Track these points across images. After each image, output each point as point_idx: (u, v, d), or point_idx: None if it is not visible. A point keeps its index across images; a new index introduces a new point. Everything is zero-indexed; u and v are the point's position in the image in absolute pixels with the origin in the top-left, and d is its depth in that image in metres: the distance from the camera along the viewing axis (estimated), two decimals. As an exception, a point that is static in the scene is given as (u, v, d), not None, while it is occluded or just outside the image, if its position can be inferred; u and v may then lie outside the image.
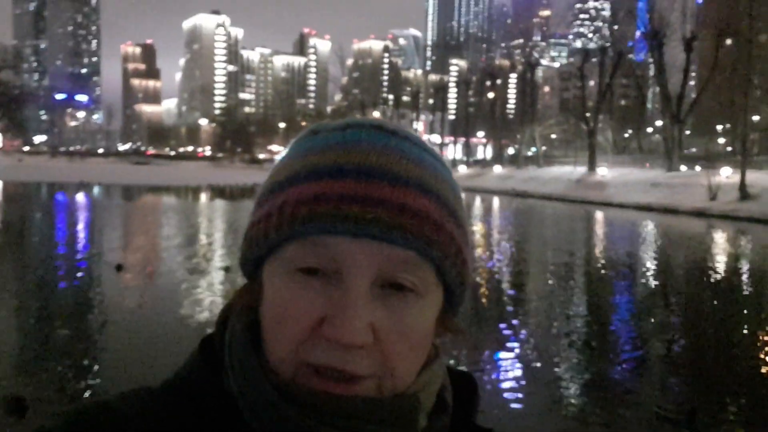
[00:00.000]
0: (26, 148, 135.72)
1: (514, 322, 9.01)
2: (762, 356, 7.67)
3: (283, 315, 0.53)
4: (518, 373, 6.73)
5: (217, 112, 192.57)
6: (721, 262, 16.31)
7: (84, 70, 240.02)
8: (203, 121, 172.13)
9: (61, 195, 33.52)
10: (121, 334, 7.47)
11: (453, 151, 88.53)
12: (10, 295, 9.71)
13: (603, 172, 47.04)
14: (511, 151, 80.00)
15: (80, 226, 20.30)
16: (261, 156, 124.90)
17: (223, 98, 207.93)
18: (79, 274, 11.48)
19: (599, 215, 31.80)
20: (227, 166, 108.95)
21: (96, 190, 39.17)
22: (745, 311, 10.61)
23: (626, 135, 73.38)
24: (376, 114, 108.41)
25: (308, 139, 0.58)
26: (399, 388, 0.55)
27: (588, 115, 54.71)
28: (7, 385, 5.66)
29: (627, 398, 6.12)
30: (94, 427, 0.52)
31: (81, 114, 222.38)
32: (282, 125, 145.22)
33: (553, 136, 75.28)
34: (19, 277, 11.45)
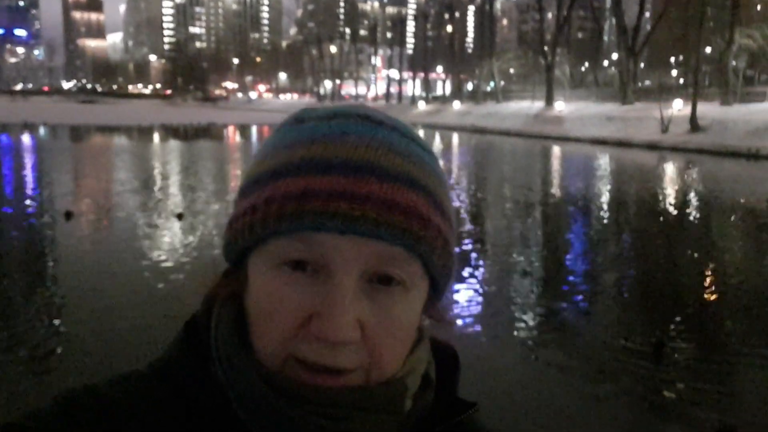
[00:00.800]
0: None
1: (472, 255, 9.21)
2: (709, 284, 8.07)
3: (270, 310, 0.53)
4: (476, 308, 6.93)
5: (166, 47, 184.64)
6: (671, 193, 16.87)
7: (21, 3, 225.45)
8: (152, 57, 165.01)
9: (4, 136, 32.05)
10: (76, 283, 7.34)
11: (412, 87, 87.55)
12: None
13: (560, 106, 47.38)
14: (470, 86, 79.63)
15: (27, 171, 19.54)
16: (215, 93, 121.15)
17: (171, 32, 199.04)
18: (31, 221, 11.14)
19: (556, 150, 32.26)
20: (180, 104, 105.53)
21: (42, 130, 37.56)
22: (694, 239, 11.07)
23: (583, 69, 73.72)
24: (333, 49, 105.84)
25: (293, 128, 0.57)
26: (386, 376, 0.55)
27: (546, 48, 54.57)
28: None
29: (584, 331, 6.38)
30: (83, 411, 0.52)
31: (20, 50, 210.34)
32: (236, 61, 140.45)
33: (512, 70, 74.98)
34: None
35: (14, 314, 6.36)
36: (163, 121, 47.70)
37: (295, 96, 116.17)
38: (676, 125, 32.40)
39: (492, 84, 71.29)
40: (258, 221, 0.53)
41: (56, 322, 6.03)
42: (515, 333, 6.20)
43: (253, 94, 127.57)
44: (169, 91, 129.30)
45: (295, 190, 0.51)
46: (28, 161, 21.97)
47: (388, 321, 0.53)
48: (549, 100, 50.39)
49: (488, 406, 4.63)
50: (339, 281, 0.51)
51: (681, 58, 51.07)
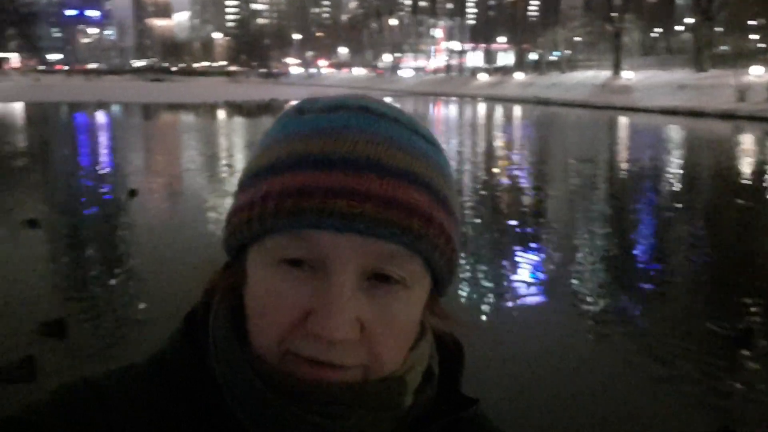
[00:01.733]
0: (42, 67, 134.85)
1: (535, 233, 9.06)
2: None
3: (267, 307, 0.52)
4: (538, 287, 6.83)
5: (229, 24, 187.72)
6: (749, 166, 16.00)
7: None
8: (217, 35, 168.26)
9: (80, 115, 33.57)
10: (147, 255, 7.69)
11: (473, 59, 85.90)
12: (38, 217, 9.99)
13: (628, 75, 45.51)
14: (533, 56, 77.40)
15: (99, 148, 20.44)
16: (276, 69, 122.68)
17: (235, 10, 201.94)
18: (105, 198, 11.68)
19: (623, 121, 31.08)
20: (243, 80, 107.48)
21: (115, 108, 39.10)
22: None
23: (654, 35, 70.23)
24: (393, 22, 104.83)
25: (294, 119, 0.56)
26: (385, 373, 0.54)
27: (614, 14, 52.24)
28: (46, 308, 5.92)
29: (655, 316, 6.19)
30: (80, 404, 0.52)
31: (93, 30, 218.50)
32: (297, 36, 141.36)
33: (577, 39, 72.36)
34: (47, 200, 11.70)
35: (93, 282, 6.74)
36: (227, 98, 48.75)
37: (354, 70, 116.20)
38: (755, 93, 30.56)
39: (556, 53, 69.04)
40: (255, 217, 0.52)
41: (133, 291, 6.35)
42: (580, 315, 6.10)
43: (313, 70, 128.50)
44: (233, 68, 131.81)
45: (292, 187, 0.50)
46: (102, 139, 22.95)
47: (387, 319, 0.52)
48: (616, 69, 48.47)
49: (551, 387, 4.60)
50: (337, 279, 0.50)
51: (761, 21, 47.88)
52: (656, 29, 69.50)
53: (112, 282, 6.79)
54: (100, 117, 32.63)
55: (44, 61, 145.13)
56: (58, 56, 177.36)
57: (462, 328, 0.64)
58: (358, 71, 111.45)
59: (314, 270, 0.51)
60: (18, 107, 39.06)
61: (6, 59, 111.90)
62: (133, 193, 11.08)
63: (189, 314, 0.61)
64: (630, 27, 57.16)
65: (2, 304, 6.08)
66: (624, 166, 16.45)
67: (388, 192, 0.50)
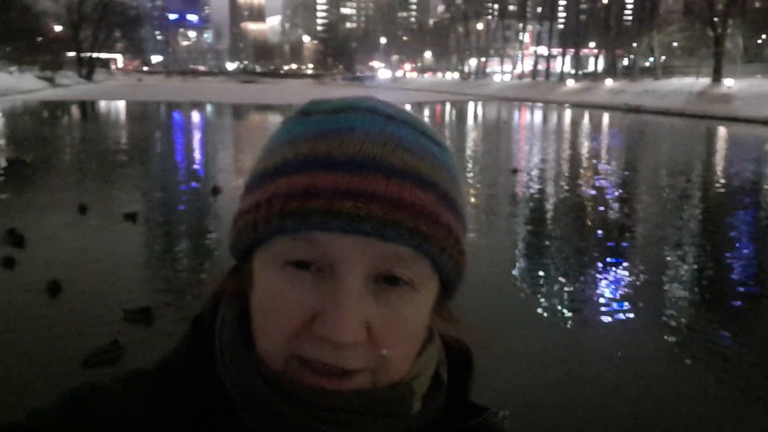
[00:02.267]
0: (145, 68, 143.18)
1: (621, 249, 8.71)
2: None
3: (273, 310, 0.51)
4: (625, 305, 6.57)
5: (319, 28, 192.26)
6: None
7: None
8: (306, 38, 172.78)
9: (177, 114, 35.39)
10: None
11: (561, 64, 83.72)
12: (138, 208, 10.62)
13: (729, 83, 42.92)
14: (625, 62, 74.49)
15: (195, 147, 21.43)
16: (361, 72, 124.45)
17: (324, 14, 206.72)
18: (194, 194, 12.22)
19: (722, 132, 29.33)
20: (329, 83, 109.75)
21: (208, 108, 40.94)
22: None
23: (759, 41, 65.92)
24: (479, 26, 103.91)
25: (300, 121, 0.55)
26: (393, 378, 0.53)
27: (716, 19, 49.43)
28: (135, 297, 6.26)
29: (744, 340, 5.83)
30: (89, 409, 0.52)
31: (192, 33, 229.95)
32: (383, 40, 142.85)
33: (675, 44, 68.98)
34: (145, 194, 12.40)
35: (180, 274, 7.07)
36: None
37: (439, 74, 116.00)
38: None
39: (651, 59, 66.14)
40: (261, 219, 0.51)
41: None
42: (667, 332, 5.82)
43: (398, 73, 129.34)
44: (320, 71, 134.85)
45: (298, 188, 0.50)
46: (195, 137, 24.06)
47: (395, 322, 0.51)
48: (717, 76, 45.75)
49: (628, 395, 4.41)
50: (344, 281, 0.49)
51: None
52: (762, 35, 65.17)
53: (203, 276, 7.12)
54: (195, 116, 34.25)
55: (147, 62, 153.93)
56: (159, 58, 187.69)
57: (469, 331, 0.63)
58: (448, 75, 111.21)
59: (321, 272, 0.50)
60: (121, 105, 41.65)
61: (113, 60, 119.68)
62: (215, 190, 11.57)
63: (197, 318, 0.60)
64: (733, 32, 53.90)
65: (94, 291, 6.49)
66: (721, 180, 15.52)
67: (395, 193, 0.49)
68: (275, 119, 34.99)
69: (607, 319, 6.07)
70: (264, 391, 0.51)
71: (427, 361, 0.58)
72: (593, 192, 13.20)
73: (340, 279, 0.50)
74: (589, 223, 10.49)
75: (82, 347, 5.09)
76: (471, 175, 14.24)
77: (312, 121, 0.54)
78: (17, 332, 5.51)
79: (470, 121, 37.28)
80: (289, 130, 0.55)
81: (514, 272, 7.78)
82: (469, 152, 20.51)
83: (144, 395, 0.54)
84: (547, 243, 9.31)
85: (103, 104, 41.85)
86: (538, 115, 42.08)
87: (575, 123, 35.41)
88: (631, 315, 6.14)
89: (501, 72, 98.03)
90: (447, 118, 39.19)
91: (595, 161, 18.78)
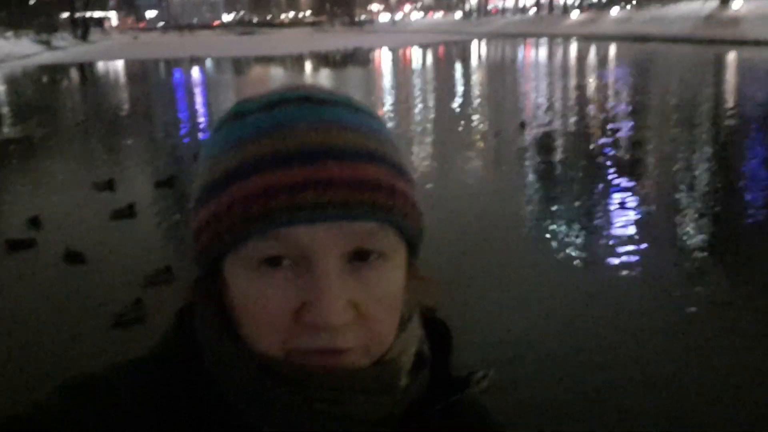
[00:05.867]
0: (141, 25, 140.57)
1: (630, 183, 8.74)
2: None
3: (259, 312, 0.52)
4: (635, 233, 6.68)
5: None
6: None
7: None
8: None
9: (177, 71, 34.98)
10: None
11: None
12: (149, 168, 10.71)
13: (737, 5, 41.63)
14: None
15: (198, 106, 21.30)
16: (361, 16, 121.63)
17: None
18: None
19: (731, 56, 28.68)
20: (328, 30, 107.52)
21: (208, 63, 40.40)
22: None
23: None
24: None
25: (236, 124, 0.55)
26: (383, 349, 0.56)
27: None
28: (155, 258, 6.42)
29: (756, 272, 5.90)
30: (85, 398, 0.53)
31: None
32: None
33: (682, -33, 66.48)
34: (148, 155, 12.46)
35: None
36: (312, 49, 49.11)
37: (440, 14, 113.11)
38: None
39: (657, -15, 63.96)
40: (224, 229, 0.51)
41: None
42: (671, 276, 5.92)
43: (398, 15, 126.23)
44: (318, 18, 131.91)
45: (256, 190, 0.50)
46: (198, 97, 23.86)
47: (377, 294, 0.53)
48: (725, -1, 44.39)
49: (634, 339, 4.55)
50: (321, 268, 0.51)
51: None
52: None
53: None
54: (196, 73, 33.86)
55: (142, 18, 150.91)
56: (153, 12, 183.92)
57: (439, 287, 0.64)
58: (446, 15, 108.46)
59: (296, 265, 0.52)
60: (120, 65, 41.22)
61: (107, 18, 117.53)
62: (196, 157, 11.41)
63: (180, 311, 0.61)
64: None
65: (117, 258, 6.66)
66: (731, 108, 15.29)
67: (350, 174, 0.50)
68: (277, 71, 34.60)
69: (614, 260, 6.16)
70: (257, 376, 0.52)
71: (410, 336, 0.60)
72: (602, 130, 13.10)
73: (317, 266, 0.51)
74: (600, 163, 10.47)
75: (110, 310, 5.28)
76: (475, 128, 14.07)
77: (248, 122, 0.54)
78: (42, 301, 5.70)
79: (474, 61, 36.59)
80: (227, 136, 0.55)
81: (525, 214, 7.85)
82: (473, 100, 20.26)
83: (138, 384, 0.56)
84: (556, 184, 9.34)
85: (101, 65, 41.38)
86: (543, 52, 41.22)
87: (581, 58, 34.72)
88: (637, 257, 6.22)
89: (502, 8, 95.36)
90: (447, 60, 38.50)
91: (602, 99, 18.51)
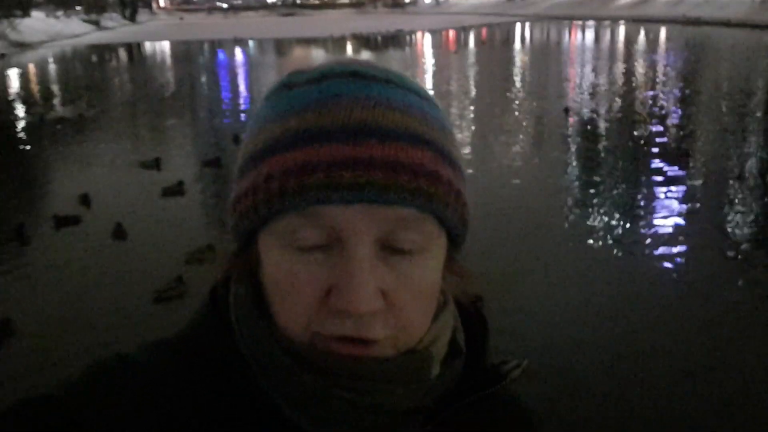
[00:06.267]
0: (186, 7, 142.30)
1: (677, 170, 8.54)
2: None
3: (288, 291, 0.51)
4: (680, 223, 6.55)
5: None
6: None
7: None
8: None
9: (221, 53, 35.44)
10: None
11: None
12: (193, 148, 10.94)
13: (800, -12, 39.78)
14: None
15: (241, 87, 21.54)
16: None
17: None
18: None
19: (789, 42, 27.50)
20: (371, 11, 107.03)
21: (250, 44, 40.78)
22: None
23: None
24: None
25: (282, 96, 0.54)
26: (413, 341, 0.53)
27: None
28: (198, 235, 6.58)
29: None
30: (114, 378, 0.53)
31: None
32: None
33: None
34: (193, 135, 12.71)
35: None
36: (354, 31, 49.02)
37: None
38: None
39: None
40: (261, 201, 0.50)
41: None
42: (717, 266, 5.80)
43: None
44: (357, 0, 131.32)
45: (294, 165, 0.49)
46: (240, 78, 24.14)
47: (409, 286, 0.51)
48: (785, -18, 42.43)
49: (675, 330, 4.48)
50: (353, 252, 0.49)
51: None
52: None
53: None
54: (239, 54, 34.23)
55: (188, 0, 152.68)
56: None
57: (479, 283, 0.62)
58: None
59: (329, 246, 0.50)
60: (166, 46, 41.95)
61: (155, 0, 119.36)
62: (236, 139, 11.06)
63: (213, 289, 0.60)
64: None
65: (160, 236, 6.84)
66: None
67: (392, 155, 0.48)
68: (317, 53, 34.71)
69: (656, 251, 6.05)
70: (285, 362, 0.51)
71: (443, 326, 0.58)
72: (653, 110, 12.77)
73: (349, 250, 0.49)
74: (645, 151, 10.22)
75: (151, 286, 5.45)
76: (517, 114, 13.88)
77: (295, 93, 0.53)
78: (89, 276, 5.92)
79: (517, 45, 35.98)
80: (274, 107, 0.54)
81: (568, 202, 7.76)
82: (515, 84, 19.98)
83: (168, 365, 0.55)
84: (599, 172, 9.18)
85: (148, 46, 42.20)
86: (589, 35, 40.22)
87: (630, 41, 33.76)
88: (684, 247, 6.09)
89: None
90: (490, 43, 37.94)
91: (650, 85, 18.01)
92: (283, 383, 0.52)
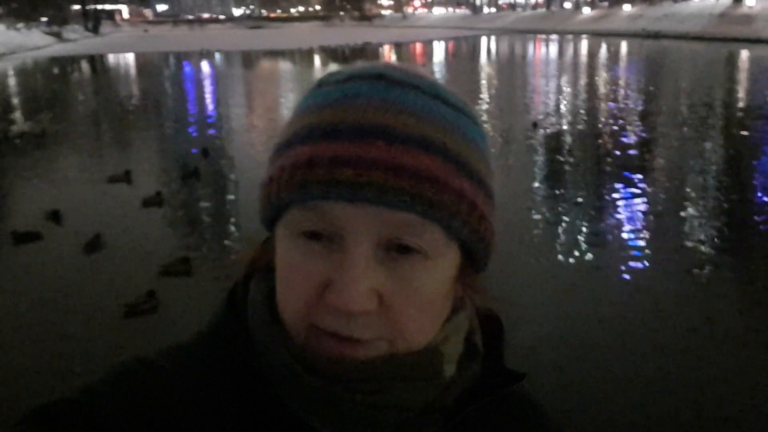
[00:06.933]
0: (151, 18, 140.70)
1: (638, 179, 8.73)
2: None
3: (289, 279, 0.52)
4: (642, 229, 6.68)
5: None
6: None
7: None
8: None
9: (186, 65, 35.08)
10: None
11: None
12: (156, 159, 10.78)
13: (751, 2, 41.32)
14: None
15: (208, 100, 21.37)
16: (371, 11, 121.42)
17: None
18: (214, 145, 12.31)
19: (744, 55, 28.50)
20: (338, 24, 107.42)
21: (217, 57, 40.49)
22: None
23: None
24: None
25: (312, 93, 0.56)
26: (413, 347, 0.53)
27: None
28: (174, 245, 6.48)
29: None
30: (134, 382, 0.53)
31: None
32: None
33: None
34: (160, 149, 12.54)
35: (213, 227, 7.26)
36: (322, 43, 49.09)
37: (450, 9, 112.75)
38: None
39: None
40: (273, 192, 0.52)
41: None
42: (686, 266, 5.93)
43: (408, 10, 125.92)
44: (325, 13, 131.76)
45: (303, 159, 0.50)
46: (207, 91, 23.92)
47: (407, 290, 0.51)
48: (739, -4, 44.04)
49: (647, 330, 4.56)
50: (350, 250, 0.49)
51: None
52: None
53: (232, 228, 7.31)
54: (205, 66, 33.95)
55: (154, 11, 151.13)
56: (164, 6, 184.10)
57: (494, 303, 0.63)
58: (456, 9, 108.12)
59: (331, 242, 0.51)
60: (131, 58, 41.35)
61: (117, 11, 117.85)
62: (205, 152, 10.92)
63: (231, 291, 0.61)
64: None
65: (133, 248, 6.72)
66: (743, 107, 15.22)
67: (396, 158, 0.48)
68: (285, 65, 34.62)
69: (624, 254, 6.17)
70: (293, 365, 0.52)
71: (456, 326, 0.58)
72: (613, 121, 13.06)
73: (346, 248, 0.50)
74: (609, 151, 10.45)
75: (122, 300, 5.35)
76: (486, 127, 14.05)
77: (320, 92, 0.55)
78: (60, 290, 5.78)
79: (482, 58, 36.50)
80: (302, 104, 0.56)
81: (533, 210, 7.87)
82: (483, 97, 20.22)
83: (188, 369, 0.55)
84: (565, 178, 9.34)
85: (112, 58, 41.55)
86: (553, 48, 41.04)
87: (592, 54, 34.55)
88: (649, 251, 6.23)
89: (513, 2, 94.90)
90: (457, 55, 38.40)
91: (615, 90, 18.44)
92: (295, 389, 0.52)
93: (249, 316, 0.57)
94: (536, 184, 9.16)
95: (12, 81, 27.74)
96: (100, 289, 5.72)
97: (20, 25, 59.08)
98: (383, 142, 0.49)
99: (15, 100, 21.16)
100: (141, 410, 0.51)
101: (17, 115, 17.76)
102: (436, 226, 0.50)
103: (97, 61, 39.17)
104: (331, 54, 40.49)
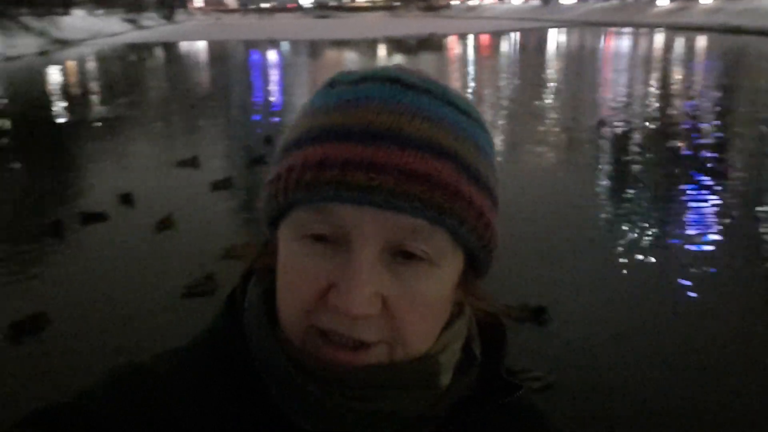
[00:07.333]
0: (232, 6, 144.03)
1: (712, 183, 8.36)
2: None
3: (292, 281, 0.52)
4: (714, 235, 6.42)
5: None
6: None
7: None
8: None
9: (254, 53, 35.79)
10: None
11: (652, -17, 77.56)
12: (222, 146, 11.07)
13: None
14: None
15: (273, 88, 21.74)
16: (439, 2, 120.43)
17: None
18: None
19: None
20: (403, 15, 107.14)
21: (284, 46, 41.12)
22: None
23: None
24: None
25: (323, 93, 0.55)
26: (413, 353, 0.53)
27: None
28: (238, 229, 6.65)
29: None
30: (129, 387, 0.53)
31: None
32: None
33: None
34: (226, 135, 12.87)
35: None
36: (387, 34, 49.05)
37: (521, 0, 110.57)
38: None
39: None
40: (281, 190, 0.52)
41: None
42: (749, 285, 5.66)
43: (475, 1, 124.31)
44: (391, 3, 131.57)
45: (313, 159, 0.49)
46: (272, 80, 24.33)
47: (411, 296, 0.51)
48: (832, -10, 41.24)
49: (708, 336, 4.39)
50: (356, 254, 0.49)
51: None
52: None
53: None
54: (271, 55, 34.53)
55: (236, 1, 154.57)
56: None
57: (497, 309, 0.62)
58: (526, 1, 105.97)
59: (337, 244, 0.50)
60: (203, 46, 42.54)
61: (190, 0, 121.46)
62: (269, 140, 10.94)
63: (230, 295, 0.61)
64: None
65: (200, 229, 6.94)
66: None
67: (408, 163, 0.48)
68: (349, 55, 34.80)
69: (690, 259, 5.94)
70: (290, 370, 0.51)
71: (455, 334, 0.57)
72: (687, 122, 12.52)
73: (353, 251, 0.49)
74: (680, 154, 10.03)
75: (184, 281, 5.54)
76: (548, 123, 13.71)
77: (333, 92, 0.54)
78: (124, 269, 6.04)
79: (551, 52, 35.60)
80: (313, 103, 0.55)
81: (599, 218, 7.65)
82: (550, 91, 19.78)
83: (183, 374, 0.56)
84: (632, 185, 9.04)
85: (186, 45, 42.87)
86: (626, 42, 39.60)
87: (667, 48, 33.14)
88: (715, 269, 5.95)
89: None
90: (523, 49, 37.62)
91: (690, 88, 17.65)
92: (289, 392, 0.52)
93: (245, 318, 0.57)
94: (604, 182, 8.90)
95: (91, 66, 29.01)
96: (164, 268, 5.95)
97: (100, 11, 61.64)
98: (396, 146, 0.48)
99: (93, 85, 22.14)
100: (139, 411, 0.51)
101: (94, 99, 18.58)
102: (444, 232, 0.50)
103: (170, 48, 40.49)
104: (395, 44, 40.41)
